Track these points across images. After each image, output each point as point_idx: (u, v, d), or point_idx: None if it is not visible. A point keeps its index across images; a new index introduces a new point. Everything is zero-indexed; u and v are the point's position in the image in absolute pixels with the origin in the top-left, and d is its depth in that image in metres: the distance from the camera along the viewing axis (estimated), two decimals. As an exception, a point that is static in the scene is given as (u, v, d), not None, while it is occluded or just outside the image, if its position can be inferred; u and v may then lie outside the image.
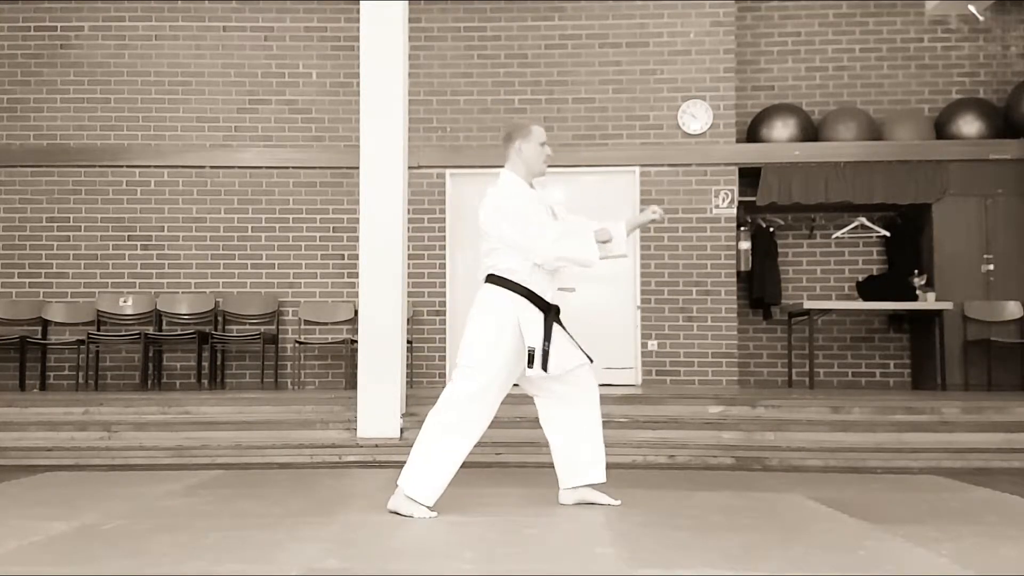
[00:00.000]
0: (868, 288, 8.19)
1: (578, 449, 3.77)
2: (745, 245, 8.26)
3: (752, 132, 8.36)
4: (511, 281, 3.65)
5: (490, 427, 5.59)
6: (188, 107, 8.45)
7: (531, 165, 3.80)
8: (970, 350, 7.89)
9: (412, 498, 3.53)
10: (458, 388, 3.62)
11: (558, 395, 3.76)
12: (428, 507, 3.53)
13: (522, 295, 3.64)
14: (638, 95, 8.27)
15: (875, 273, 8.44)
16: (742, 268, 8.24)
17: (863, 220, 8.35)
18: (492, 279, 3.69)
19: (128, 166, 8.39)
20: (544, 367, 3.56)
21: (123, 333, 8.11)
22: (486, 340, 3.61)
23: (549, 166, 3.87)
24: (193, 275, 8.34)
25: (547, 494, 4.02)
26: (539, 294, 3.66)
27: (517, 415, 5.73)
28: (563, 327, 3.75)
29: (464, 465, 5.29)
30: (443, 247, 8.21)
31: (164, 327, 8.19)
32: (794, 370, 8.14)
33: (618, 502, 3.77)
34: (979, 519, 3.58)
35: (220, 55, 8.48)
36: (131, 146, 8.41)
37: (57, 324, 8.22)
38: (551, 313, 3.67)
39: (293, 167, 8.36)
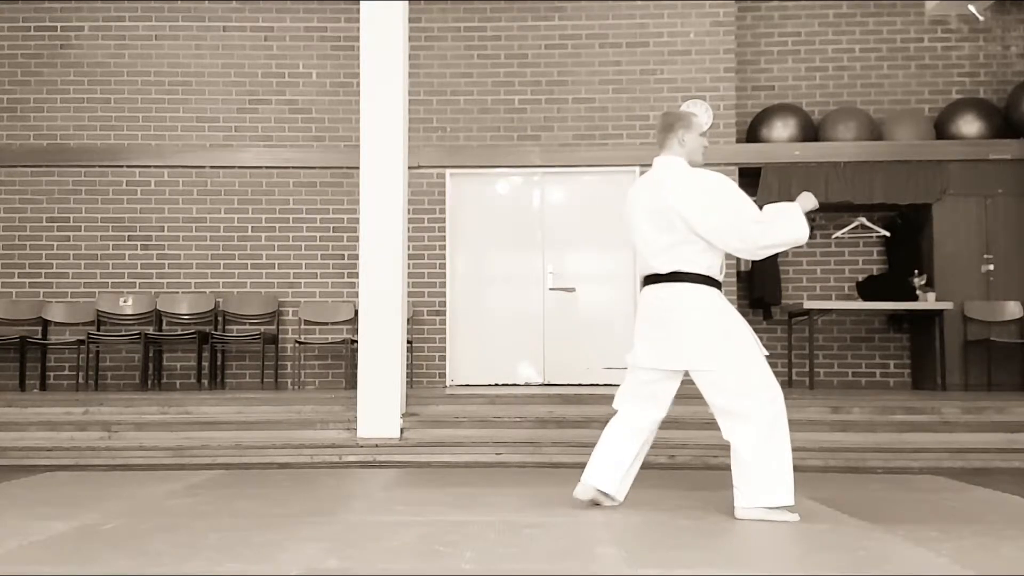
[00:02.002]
0: (868, 288, 8.19)
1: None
2: (745, 245, 8.25)
3: (752, 132, 8.36)
4: (711, 278, 3.57)
5: (490, 427, 5.65)
6: (188, 107, 8.45)
7: (693, 155, 3.68)
8: (970, 350, 7.89)
9: (777, 507, 3.42)
10: (753, 383, 3.48)
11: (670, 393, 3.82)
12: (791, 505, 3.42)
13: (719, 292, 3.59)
14: (638, 95, 8.27)
15: (875, 273, 8.44)
16: (742, 268, 8.24)
17: (863, 220, 8.35)
18: (689, 277, 3.57)
19: (128, 166, 8.40)
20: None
21: (123, 333, 8.11)
22: (730, 335, 3.53)
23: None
24: (193, 275, 8.34)
25: (547, 494, 4.02)
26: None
27: (517, 415, 5.75)
28: None
29: (465, 465, 5.33)
30: (443, 247, 8.20)
31: (164, 327, 8.19)
32: (794, 370, 8.14)
33: (618, 501, 3.76)
34: (979, 519, 3.58)
35: (220, 55, 8.48)
36: (131, 146, 8.42)
37: (57, 324, 8.22)
38: None
39: (293, 167, 8.37)
